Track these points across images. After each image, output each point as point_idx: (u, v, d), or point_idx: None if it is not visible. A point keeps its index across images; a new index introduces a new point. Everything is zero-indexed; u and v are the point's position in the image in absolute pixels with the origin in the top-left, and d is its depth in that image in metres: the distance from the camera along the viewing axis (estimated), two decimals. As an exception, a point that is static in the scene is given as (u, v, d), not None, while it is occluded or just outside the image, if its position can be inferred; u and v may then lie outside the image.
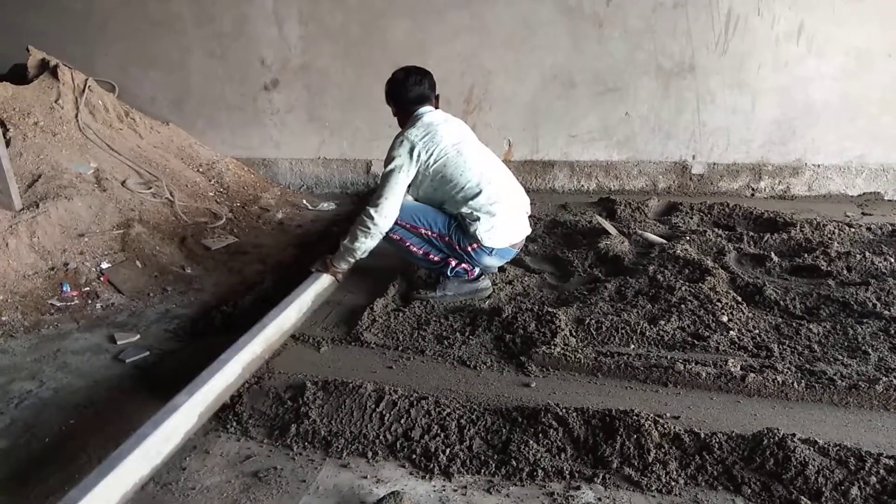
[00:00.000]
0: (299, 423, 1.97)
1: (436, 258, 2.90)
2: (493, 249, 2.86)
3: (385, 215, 2.75)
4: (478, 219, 2.78)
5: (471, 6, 4.64)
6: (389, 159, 2.78)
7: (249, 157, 5.39)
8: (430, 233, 2.86)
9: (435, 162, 2.77)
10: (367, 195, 5.04)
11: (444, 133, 2.80)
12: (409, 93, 2.88)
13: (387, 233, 2.83)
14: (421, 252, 2.88)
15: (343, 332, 2.63)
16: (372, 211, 2.75)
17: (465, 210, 2.80)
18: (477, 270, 2.95)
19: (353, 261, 2.92)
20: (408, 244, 2.87)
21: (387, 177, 2.76)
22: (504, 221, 2.84)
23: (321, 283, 2.94)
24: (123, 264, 3.41)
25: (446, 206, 2.87)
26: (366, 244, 2.82)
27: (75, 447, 2.00)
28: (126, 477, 1.66)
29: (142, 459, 1.72)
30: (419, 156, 2.75)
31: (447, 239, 2.86)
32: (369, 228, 2.76)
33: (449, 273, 2.91)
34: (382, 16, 4.78)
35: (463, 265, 2.90)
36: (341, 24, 4.85)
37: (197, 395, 1.96)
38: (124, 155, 4.44)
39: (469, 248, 2.84)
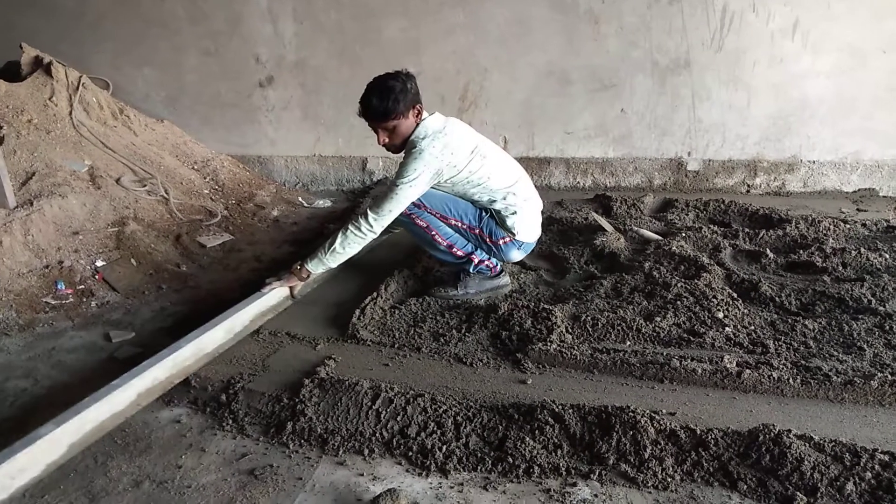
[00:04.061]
0: (295, 420, 1.97)
1: (459, 252, 2.83)
2: (522, 243, 2.89)
3: (383, 225, 2.65)
4: (515, 213, 2.80)
5: (465, 4, 4.64)
6: (409, 172, 2.58)
7: (244, 155, 5.37)
8: (460, 223, 2.81)
9: (459, 173, 2.69)
10: (363, 192, 5.04)
11: (459, 140, 2.68)
12: (419, 92, 2.69)
13: (413, 219, 2.74)
14: (445, 244, 2.80)
15: (339, 329, 2.62)
16: (372, 218, 2.61)
17: (499, 205, 2.79)
18: (499, 266, 2.93)
19: (333, 266, 2.75)
20: (433, 233, 2.77)
21: (399, 190, 2.58)
22: (535, 216, 2.91)
23: (265, 303, 2.72)
24: (118, 262, 3.39)
25: (475, 201, 2.84)
26: (355, 249, 2.68)
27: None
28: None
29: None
30: (440, 173, 2.65)
31: (477, 231, 2.84)
32: (365, 235, 2.63)
33: (471, 269, 2.86)
34: (377, 14, 4.77)
35: (486, 262, 2.88)
36: (336, 21, 4.84)
37: (68, 424, 1.80)
38: (119, 152, 4.42)
39: (500, 241, 2.84)
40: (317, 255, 2.71)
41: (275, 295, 2.78)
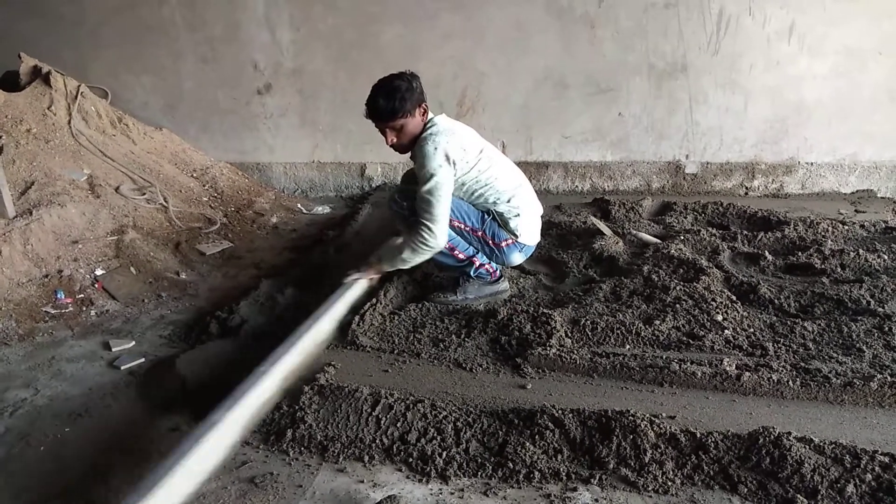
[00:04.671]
0: (295, 427, 1.97)
1: (461, 255, 2.83)
2: (524, 246, 2.90)
3: (445, 230, 2.65)
4: (518, 215, 2.81)
5: (463, 9, 4.65)
6: (430, 173, 2.57)
7: (243, 162, 5.37)
8: (462, 226, 2.81)
9: (470, 169, 2.71)
10: (362, 198, 5.04)
11: (468, 140, 2.74)
12: (424, 92, 2.71)
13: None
14: (447, 246, 2.78)
15: (338, 335, 2.62)
16: (435, 229, 2.59)
17: (502, 207, 2.81)
18: (498, 271, 2.95)
19: (405, 269, 2.83)
20: None
21: (435, 192, 2.57)
22: (536, 221, 2.94)
23: (353, 293, 2.82)
24: (118, 271, 3.39)
25: (478, 204, 2.85)
26: (425, 258, 2.71)
27: (70, 455, 1.99)
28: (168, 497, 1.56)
29: (184, 477, 1.61)
30: (455, 163, 2.65)
31: (480, 233, 2.84)
32: (430, 247, 2.64)
33: (472, 273, 2.88)
34: (374, 20, 4.78)
35: (486, 266, 2.89)
36: (333, 28, 4.85)
37: (235, 409, 1.86)
38: (118, 161, 4.42)
39: (503, 244, 2.85)
40: (388, 258, 2.78)
41: (360, 285, 2.85)
